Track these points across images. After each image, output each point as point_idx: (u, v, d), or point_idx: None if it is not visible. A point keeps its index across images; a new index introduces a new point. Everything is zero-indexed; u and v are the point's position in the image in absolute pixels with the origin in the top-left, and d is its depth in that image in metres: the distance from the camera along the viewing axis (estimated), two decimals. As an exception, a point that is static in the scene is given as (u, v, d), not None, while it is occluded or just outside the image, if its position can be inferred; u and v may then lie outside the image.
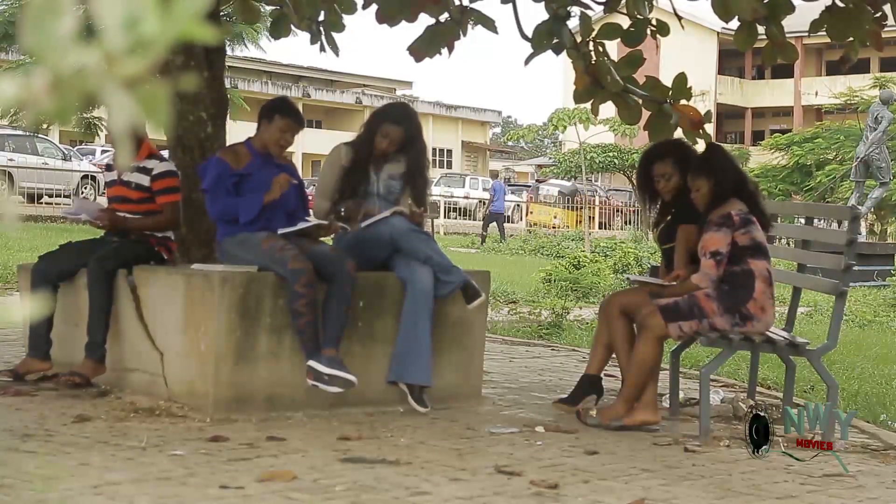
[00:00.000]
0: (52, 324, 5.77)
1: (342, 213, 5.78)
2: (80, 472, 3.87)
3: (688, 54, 42.37)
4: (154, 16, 1.00)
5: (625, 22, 6.19)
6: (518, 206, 41.45)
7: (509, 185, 48.98)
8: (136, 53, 1.01)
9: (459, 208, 39.24)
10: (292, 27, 6.77)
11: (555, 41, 6.04)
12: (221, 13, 7.79)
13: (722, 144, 5.85)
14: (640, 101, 6.12)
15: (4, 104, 1.04)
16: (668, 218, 5.82)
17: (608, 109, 10.93)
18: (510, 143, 71.72)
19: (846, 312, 11.50)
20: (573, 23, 6.15)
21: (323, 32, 6.73)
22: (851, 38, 6.17)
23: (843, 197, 27.75)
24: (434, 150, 51.77)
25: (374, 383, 5.48)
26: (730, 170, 5.45)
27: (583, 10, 6.22)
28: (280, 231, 5.42)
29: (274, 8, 7.08)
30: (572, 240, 27.08)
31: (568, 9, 6.14)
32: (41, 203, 24.56)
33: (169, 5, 1.00)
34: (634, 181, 5.83)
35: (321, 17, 6.72)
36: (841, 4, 6.08)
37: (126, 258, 5.74)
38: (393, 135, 5.86)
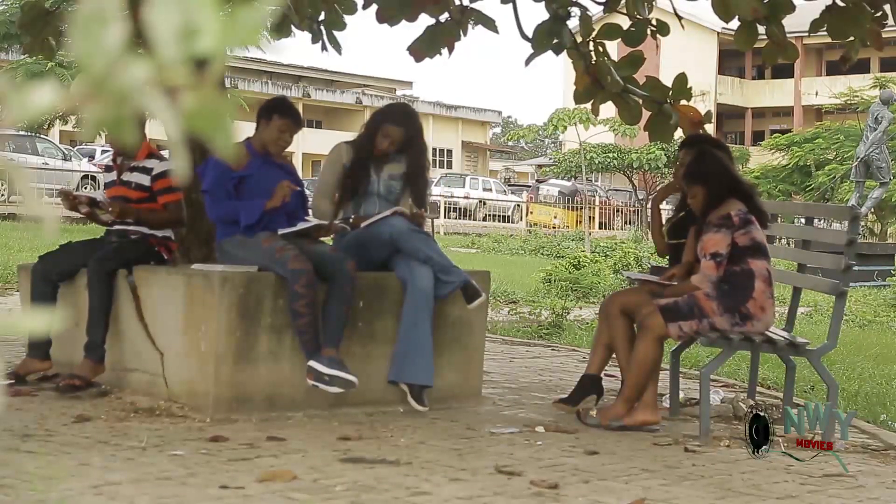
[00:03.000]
0: (51, 324, 5.76)
1: (350, 221, 5.78)
2: (80, 472, 3.87)
3: (688, 54, 42.37)
4: (215, 26, 0.93)
5: (625, 22, 6.19)
6: (518, 206, 41.46)
7: (509, 186, 49.02)
8: (195, 65, 0.94)
9: (459, 208, 39.24)
10: (293, 27, 6.76)
11: (555, 41, 6.04)
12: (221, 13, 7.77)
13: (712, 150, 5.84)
14: (641, 102, 6.12)
15: (42, 113, 0.95)
16: (681, 214, 5.84)
17: (608, 109, 10.93)
18: (510, 143, 71.73)
19: (846, 312, 11.50)
20: (573, 23, 6.15)
21: (324, 32, 6.72)
22: (851, 38, 6.16)
23: (843, 197, 27.75)
24: (434, 150, 51.74)
25: (374, 383, 5.48)
26: (723, 173, 5.44)
27: (583, 10, 6.22)
28: (280, 231, 5.42)
29: (273, 8, 7.07)
30: (572, 240, 27.09)
31: (568, 9, 6.14)
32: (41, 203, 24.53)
33: (232, 15, 0.93)
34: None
35: (321, 17, 6.71)
36: (841, 4, 6.08)
37: (126, 258, 5.74)
38: (394, 135, 5.86)
